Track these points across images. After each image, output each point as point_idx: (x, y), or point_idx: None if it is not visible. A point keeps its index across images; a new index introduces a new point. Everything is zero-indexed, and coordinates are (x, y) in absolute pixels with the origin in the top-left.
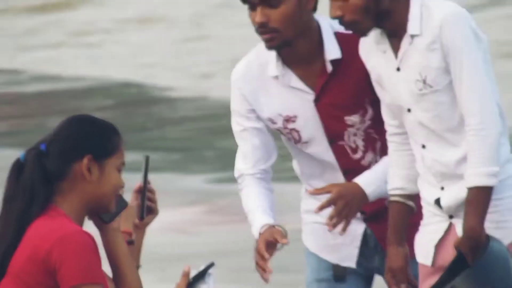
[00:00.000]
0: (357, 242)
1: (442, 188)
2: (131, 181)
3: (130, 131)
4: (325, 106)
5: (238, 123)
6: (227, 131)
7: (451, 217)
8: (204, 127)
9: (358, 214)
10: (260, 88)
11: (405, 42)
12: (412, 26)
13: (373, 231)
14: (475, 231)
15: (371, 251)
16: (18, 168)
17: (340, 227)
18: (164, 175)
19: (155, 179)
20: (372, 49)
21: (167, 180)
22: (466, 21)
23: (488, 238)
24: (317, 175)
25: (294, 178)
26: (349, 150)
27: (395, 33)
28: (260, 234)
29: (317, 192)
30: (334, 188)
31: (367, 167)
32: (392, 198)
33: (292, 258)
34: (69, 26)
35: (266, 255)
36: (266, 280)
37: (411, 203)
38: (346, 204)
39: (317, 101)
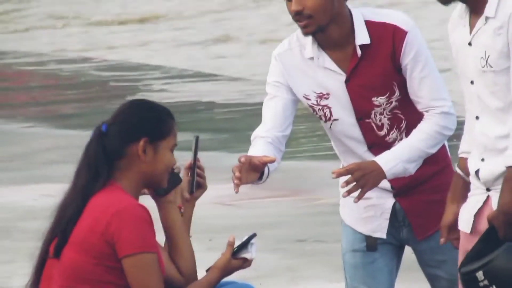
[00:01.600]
0: (387, 215)
1: (482, 160)
2: (182, 159)
3: (182, 112)
4: (354, 87)
5: (268, 93)
6: None
7: (488, 190)
8: (248, 110)
9: (389, 188)
10: (298, 67)
11: (480, 21)
12: (489, 8)
13: (401, 205)
14: (509, 206)
15: (400, 224)
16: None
17: (356, 194)
18: (212, 153)
19: (204, 157)
20: (456, 22)
21: (215, 158)
22: None
23: None
24: (349, 151)
25: (329, 156)
26: (375, 127)
27: (476, 10)
28: None
29: (338, 174)
30: (355, 168)
31: (391, 143)
32: (460, 161)
33: (330, 230)
34: None
35: (237, 173)
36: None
37: (467, 179)
38: (363, 176)
39: (347, 82)
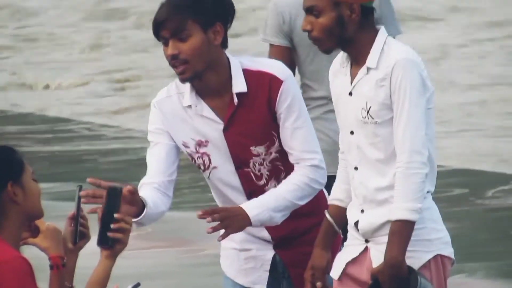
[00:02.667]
0: (267, 267)
1: (362, 211)
2: (66, 209)
3: (66, 163)
4: (233, 135)
5: (151, 141)
6: None
7: (367, 241)
8: (133, 158)
9: (269, 239)
10: (177, 115)
11: (361, 71)
12: (371, 59)
13: (281, 257)
14: (397, 260)
15: (280, 276)
16: None
17: (220, 232)
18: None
19: (87, 207)
20: (338, 70)
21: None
22: (417, 68)
23: (411, 270)
24: (228, 201)
25: (212, 206)
26: (253, 177)
27: (357, 60)
28: None
29: (202, 214)
30: (220, 211)
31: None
32: (330, 207)
33: (212, 280)
34: None
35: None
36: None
37: (337, 227)
38: (227, 217)
39: (225, 130)
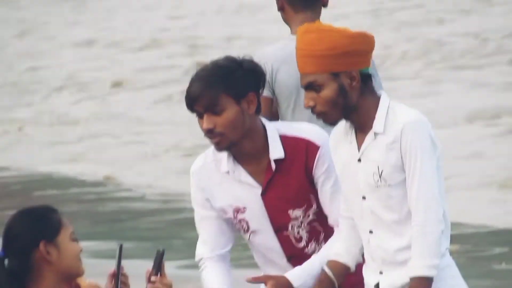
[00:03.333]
0: None
1: (381, 273)
2: (106, 267)
3: (106, 222)
4: (271, 200)
5: (197, 212)
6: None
7: None
8: (172, 218)
9: None
10: (215, 182)
11: (369, 137)
12: (377, 124)
13: None
14: None
15: None
16: None
17: None
18: (136, 261)
19: (128, 265)
20: (341, 139)
21: (139, 266)
22: (425, 129)
23: None
24: (269, 262)
25: (253, 264)
26: (293, 240)
27: (361, 127)
28: None
29: (254, 280)
30: (268, 280)
31: (310, 255)
32: (328, 262)
33: None
34: None
35: None
36: None
37: (333, 277)
38: (275, 286)
39: (263, 195)
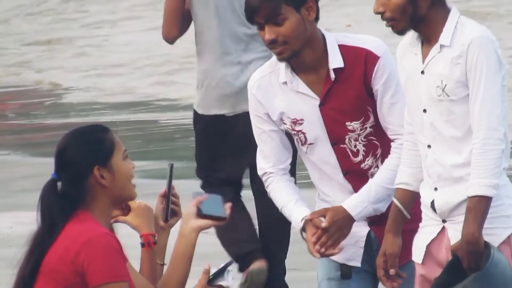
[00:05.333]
0: (361, 243)
1: (436, 189)
2: (157, 187)
3: (158, 141)
4: (328, 111)
5: (256, 126)
6: None
7: (444, 221)
8: None
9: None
10: (272, 94)
11: (434, 49)
12: (444, 37)
13: (376, 234)
14: (474, 236)
15: (374, 253)
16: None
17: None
18: (188, 181)
19: (179, 185)
20: (407, 50)
21: (190, 186)
22: (493, 46)
23: (486, 245)
24: (325, 178)
25: (305, 184)
26: (350, 153)
27: (428, 39)
28: (301, 228)
29: (312, 216)
30: (327, 212)
31: (367, 170)
32: (397, 192)
33: (305, 258)
34: None
35: (320, 249)
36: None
37: (406, 212)
38: (337, 229)
39: (321, 106)
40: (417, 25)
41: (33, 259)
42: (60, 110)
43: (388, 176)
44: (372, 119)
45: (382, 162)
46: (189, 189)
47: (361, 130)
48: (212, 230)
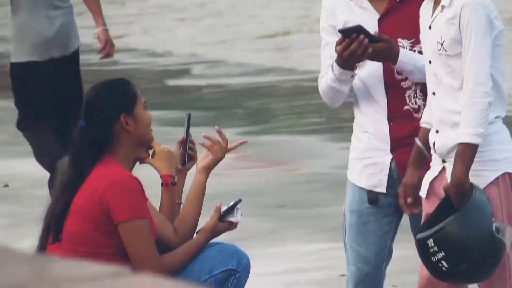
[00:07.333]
0: (386, 171)
1: (437, 132)
2: (175, 134)
3: (175, 93)
4: (386, 26)
5: (323, 39)
6: (252, 92)
7: (443, 161)
8: (234, 89)
9: (388, 142)
10: (340, 8)
11: (438, 8)
12: None
13: (396, 162)
14: (460, 179)
15: (396, 181)
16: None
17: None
18: (203, 129)
19: (195, 132)
20: (425, 6)
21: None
22: (483, 9)
23: (472, 186)
24: (366, 95)
25: (306, 131)
26: (395, 70)
27: None
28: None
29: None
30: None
31: (406, 89)
32: (420, 131)
33: (306, 196)
34: None
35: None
36: None
37: (426, 152)
38: (387, 48)
39: (380, 21)
40: None
41: (64, 199)
42: None
43: None
44: (420, 45)
45: (421, 91)
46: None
47: (409, 49)
48: (223, 172)
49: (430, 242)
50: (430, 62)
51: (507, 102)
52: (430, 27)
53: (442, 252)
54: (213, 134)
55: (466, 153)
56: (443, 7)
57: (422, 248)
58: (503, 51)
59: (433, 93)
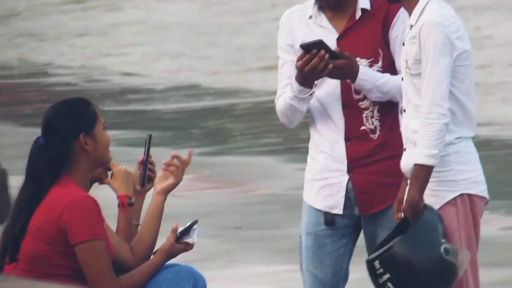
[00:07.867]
0: (342, 192)
1: (405, 149)
2: (135, 154)
3: (131, 114)
4: (344, 45)
5: (281, 58)
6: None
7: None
8: (192, 110)
9: (344, 163)
10: (299, 27)
11: (408, 26)
12: (412, 17)
13: (353, 183)
14: (414, 200)
15: (352, 202)
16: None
17: None
18: (159, 149)
19: (152, 152)
20: (406, 21)
21: (162, 154)
22: (442, 30)
23: (424, 207)
24: (323, 115)
25: (263, 152)
26: (353, 89)
27: (409, 15)
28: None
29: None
30: (344, 53)
31: (363, 110)
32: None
33: (263, 218)
34: None
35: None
36: None
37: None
38: (346, 65)
39: (339, 40)
40: (402, 2)
41: (22, 218)
42: None
43: (399, 80)
44: (380, 63)
45: (378, 111)
46: (161, 156)
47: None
48: (180, 193)
49: (377, 263)
50: (402, 79)
51: (475, 122)
52: (404, 44)
53: (388, 273)
54: (168, 154)
55: (420, 174)
56: (411, 26)
57: (370, 269)
58: (470, 70)
59: (404, 111)
